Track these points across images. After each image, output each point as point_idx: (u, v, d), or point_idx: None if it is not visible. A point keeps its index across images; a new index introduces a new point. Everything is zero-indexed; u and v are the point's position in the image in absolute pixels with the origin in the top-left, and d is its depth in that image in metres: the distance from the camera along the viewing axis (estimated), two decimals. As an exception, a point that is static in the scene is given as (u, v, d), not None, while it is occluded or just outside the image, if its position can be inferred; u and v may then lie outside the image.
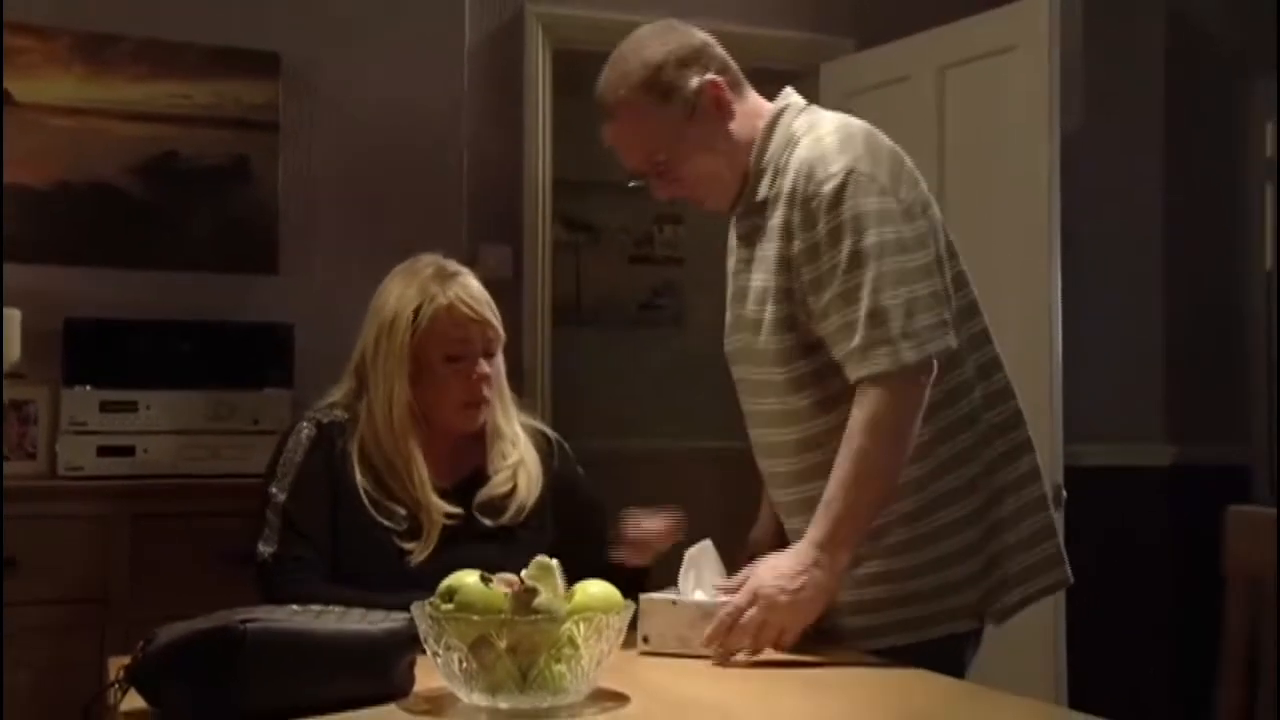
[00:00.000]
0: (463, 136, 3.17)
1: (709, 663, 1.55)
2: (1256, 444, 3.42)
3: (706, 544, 1.70)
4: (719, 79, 1.72)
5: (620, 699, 1.36)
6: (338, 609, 1.40)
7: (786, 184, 1.66)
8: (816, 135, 1.67)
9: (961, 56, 3.07)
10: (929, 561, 1.66)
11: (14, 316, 2.53)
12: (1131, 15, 3.51)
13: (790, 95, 1.79)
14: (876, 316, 1.57)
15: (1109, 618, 3.19)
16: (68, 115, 2.81)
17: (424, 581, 1.44)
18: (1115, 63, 3.49)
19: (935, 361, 1.59)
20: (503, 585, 1.33)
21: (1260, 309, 3.40)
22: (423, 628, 1.31)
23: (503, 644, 1.28)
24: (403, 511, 1.80)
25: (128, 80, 2.85)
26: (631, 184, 1.83)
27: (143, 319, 2.71)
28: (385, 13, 3.07)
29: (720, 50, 1.77)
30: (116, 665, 1.29)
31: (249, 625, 1.26)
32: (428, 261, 1.90)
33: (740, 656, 1.55)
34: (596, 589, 1.40)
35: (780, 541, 1.76)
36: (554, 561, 1.37)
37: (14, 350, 2.52)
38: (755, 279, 1.71)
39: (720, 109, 1.72)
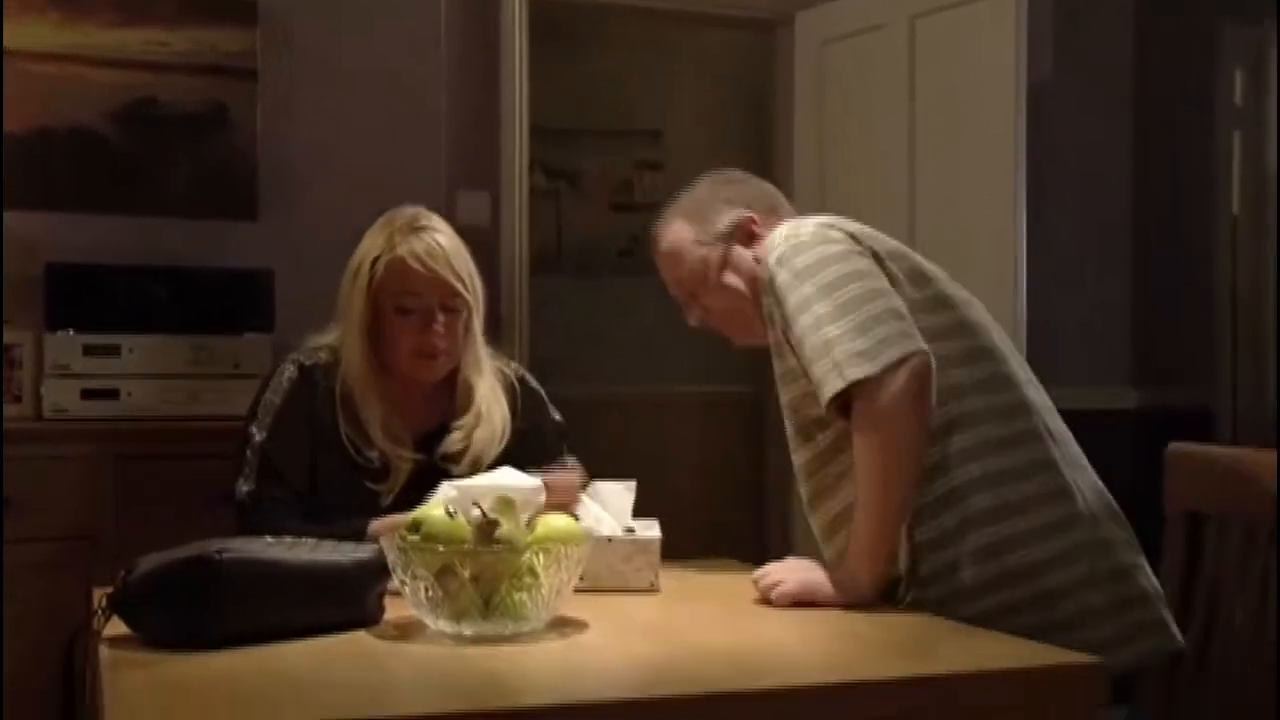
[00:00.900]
0: (441, 83, 3.20)
1: (651, 595, 1.62)
2: (1220, 387, 3.49)
3: (629, 484, 1.75)
4: (748, 212, 1.82)
5: (580, 625, 1.43)
6: (310, 541, 1.47)
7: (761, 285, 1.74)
8: (781, 240, 1.72)
9: (933, 6, 3.10)
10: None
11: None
12: (1103, -36, 3.54)
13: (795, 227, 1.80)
14: (825, 346, 1.60)
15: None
16: (46, 61, 2.83)
17: None
18: (1085, 12, 3.52)
19: (911, 364, 1.56)
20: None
21: (1226, 254, 3.46)
22: (391, 558, 1.38)
23: (466, 573, 1.35)
24: (375, 453, 1.86)
25: (104, 26, 2.87)
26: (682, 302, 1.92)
27: (123, 264, 2.75)
28: (362, -41, 3.09)
29: (766, 191, 1.90)
30: (100, 594, 1.36)
31: (224, 555, 1.32)
32: (406, 214, 1.94)
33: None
34: (558, 521, 1.47)
35: None
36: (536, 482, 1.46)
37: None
38: (777, 364, 1.77)
39: (751, 241, 1.81)
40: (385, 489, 1.84)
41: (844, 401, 1.59)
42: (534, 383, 2.09)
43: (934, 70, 3.09)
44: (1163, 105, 3.57)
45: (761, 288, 1.72)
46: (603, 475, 1.85)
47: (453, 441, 1.89)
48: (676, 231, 1.85)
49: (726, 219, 1.82)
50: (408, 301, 1.88)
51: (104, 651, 1.28)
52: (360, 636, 1.38)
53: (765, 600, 1.57)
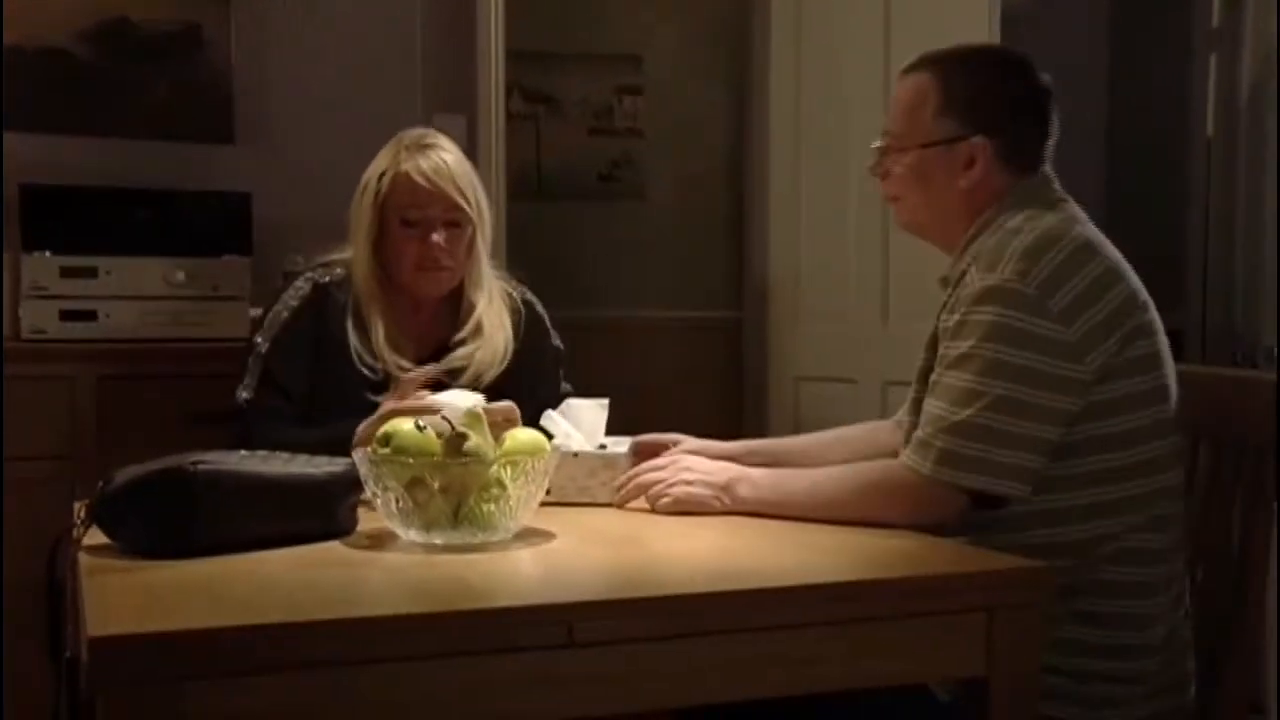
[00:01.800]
0: (417, 4, 3.18)
1: (616, 509, 1.66)
2: (1190, 309, 3.54)
3: (602, 402, 1.78)
4: (989, 144, 1.68)
5: (546, 535, 1.47)
6: (284, 455, 1.51)
7: (969, 266, 1.63)
8: (1014, 231, 1.61)
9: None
10: None
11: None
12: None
13: (1037, 188, 1.71)
14: (942, 420, 1.55)
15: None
16: (15, -19, 2.81)
17: None
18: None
19: (953, 497, 1.54)
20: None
21: (1199, 176, 3.48)
22: (362, 470, 1.42)
23: (436, 484, 1.39)
24: (379, 365, 1.94)
25: (74, -56, 2.84)
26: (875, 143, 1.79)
27: (99, 185, 2.75)
28: (336, -123, 3.05)
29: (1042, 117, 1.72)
30: (80, 506, 1.39)
31: (198, 467, 1.36)
32: (414, 133, 2.03)
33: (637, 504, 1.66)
34: (525, 435, 1.50)
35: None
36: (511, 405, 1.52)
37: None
38: (920, 358, 1.71)
39: (967, 168, 1.68)
40: (382, 400, 1.88)
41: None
42: (539, 306, 2.15)
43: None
44: (1138, 28, 3.57)
45: (972, 267, 1.61)
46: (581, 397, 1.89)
47: (454, 359, 1.95)
48: (923, 81, 1.71)
49: (968, 124, 1.67)
50: (411, 214, 1.95)
51: (83, 559, 1.32)
52: (334, 546, 1.42)
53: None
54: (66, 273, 2.62)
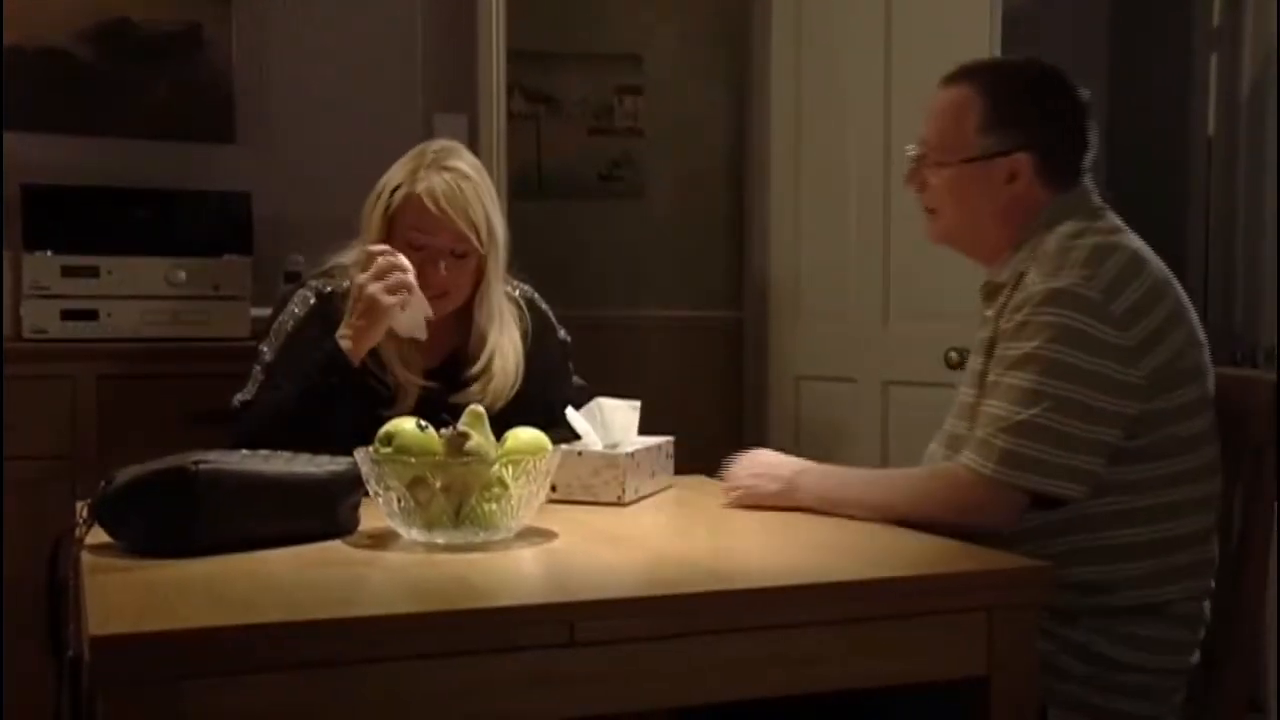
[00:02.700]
0: (418, 3, 3.18)
1: (622, 507, 1.67)
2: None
3: (633, 403, 1.79)
4: (1031, 160, 1.68)
5: (548, 534, 1.47)
6: (286, 454, 1.51)
7: (1024, 271, 1.63)
8: (1072, 235, 1.63)
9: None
10: None
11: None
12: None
13: (1080, 198, 1.72)
14: (1000, 420, 1.55)
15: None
16: (17, -19, 2.81)
17: None
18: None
19: (1016, 498, 1.54)
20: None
21: (1200, 176, 3.48)
22: (364, 470, 1.42)
23: (437, 484, 1.39)
24: (388, 378, 1.90)
25: (75, -55, 2.85)
26: (909, 149, 1.79)
27: (100, 185, 2.75)
28: (336, -123, 3.06)
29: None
30: (82, 505, 1.40)
31: (200, 466, 1.36)
32: (436, 147, 1.97)
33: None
34: (526, 435, 1.51)
35: None
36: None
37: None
38: (971, 360, 1.72)
39: (1008, 183, 1.69)
40: (391, 415, 1.87)
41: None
42: (542, 303, 2.13)
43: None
44: (1138, 27, 3.57)
45: (1023, 284, 1.61)
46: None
47: (470, 394, 1.90)
48: (964, 94, 1.70)
49: (1010, 139, 1.67)
50: (418, 238, 1.91)
51: (85, 558, 1.32)
52: (336, 545, 1.43)
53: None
54: (67, 272, 2.63)
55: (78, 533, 1.36)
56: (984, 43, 2.86)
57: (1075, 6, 3.56)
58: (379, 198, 1.95)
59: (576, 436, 1.73)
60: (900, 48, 3.09)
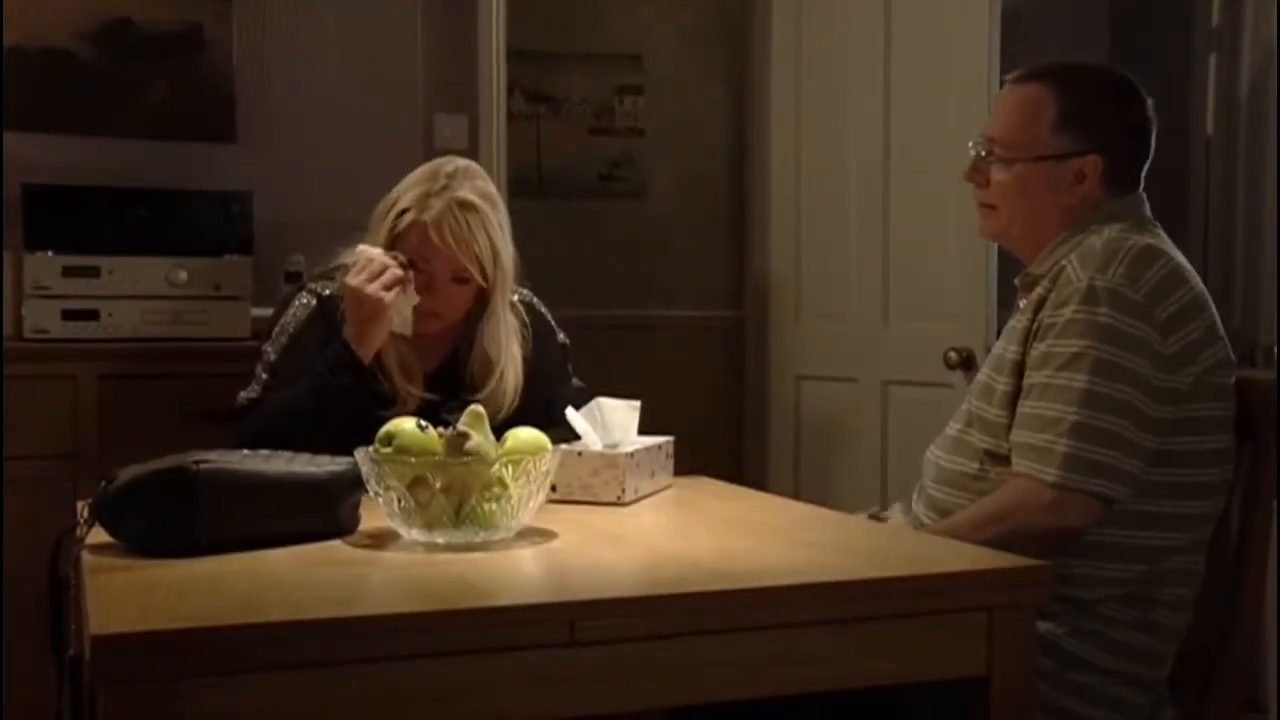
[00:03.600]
0: (418, 3, 3.19)
1: (621, 507, 1.67)
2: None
3: (633, 403, 1.79)
4: (1101, 163, 1.69)
5: (548, 534, 1.48)
6: (286, 454, 1.51)
7: (1063, 265, 1.64)
8: (1114, 236, 1.64)
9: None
10: None
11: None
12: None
13: (1134, 204, 1.73)
14: (1057, 423, 1.55)
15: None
16: (18, -19, 2.81)
17: None
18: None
19: (1090, 503, 1.55)
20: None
21: (1200, 176, 3.48)
22: (365, 470, 1.43)
23: (437, 484, 1.39)
24: (386, 384, 1.91)
25: (76, -55, 2.85)
26: (971, 145, 1.79)
27: (101, 185, 2.76)
28: (337, -123, 3.06)
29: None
30: (83, 505, 1.40)
31: (201, 466, 1.36)
32: (449, 170, 1.94)
33: None
34: (526, 435, 1.51)
35: None
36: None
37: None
38: (999, 347, 1.71)
39: (1075, 184, 1.70)
40: (393, 414, 1.88)
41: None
42: (540, 306, 2.14)
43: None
44: (1137, 27, 3.57)
45: (1061, 279, 1.62)
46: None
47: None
48: (1039, 93, 1.71)
49: (1084, 140, 1.68)
50: (420, 264, 1.91)
51: (86, 557, 1.33)
52: (336, 545, 1.43)
53: None
54: (68, 272, 2.63)
55: (78, 532, 1.37)
56: (983, 42, 2.86)
57: (1074, 6, 3.56)
58: (386, 214, 1.94)
59: (576, 436, 1.74)
60: (900, 48, 3.09)
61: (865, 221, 3.20)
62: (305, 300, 1.99)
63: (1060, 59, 1.77)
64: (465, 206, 1.90)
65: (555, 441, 1.56)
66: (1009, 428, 1.63)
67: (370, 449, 1.44)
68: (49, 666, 1.31)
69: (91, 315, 2.63)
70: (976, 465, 1.68)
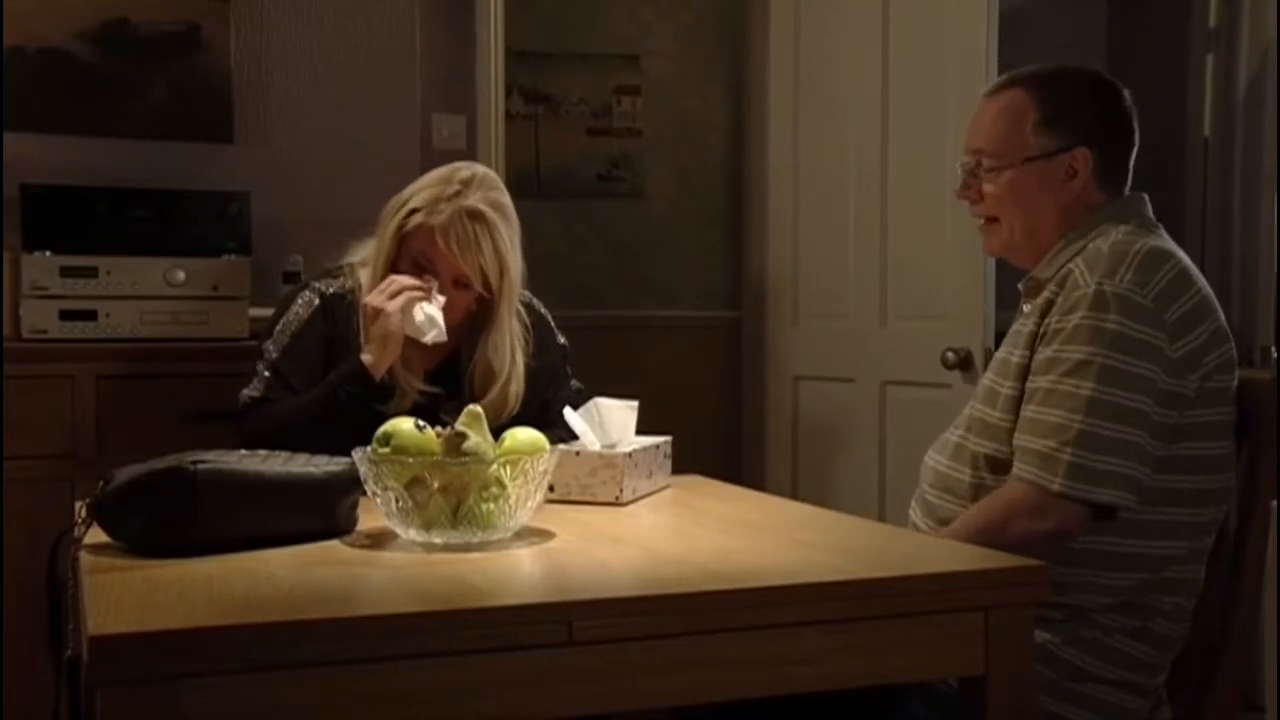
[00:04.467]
0: (415, 3, 3.19)
1: (619, 507, 1.67)
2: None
3: (631, 403, 1.80)
4: (1090, 155, 1.70)
5: (546, 534, 1.48)
6: (284, 454, 1.51)
7: (1070, 269, 1.63)
8: (1121, 239, 1.64)
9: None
10: None
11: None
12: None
13: (1137, 205, 1.74)
14: (1062, 430, 1.54)
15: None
16: (16, -19, 2.81)
17: None
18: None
19: (1085, 509, 1.55)
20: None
21: (1197, 177, 3.49)
22: (363, 470, 1.43)
23: (435, 484, 1.39)
24: (388, 378, 1.92)
25: (74, -54, 2.85)
26: (959, 165, 1.80)
27: (99, 186, 2.76)
28: (334, -123, 3.06)
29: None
30: (81, 505, 1.40)
31: (199, 466, 1.36)
32: (463, 176, 1.94)
33: None
34: (524, 435, 1.51)
35: None
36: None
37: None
38: (1003, 351, 1.71)
39: (1068, 180, 1.70)
40: (389, 412, 1.89)
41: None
42: (540, 308, 2.14)
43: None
44: (1135, 28, 3.58)
45: (1068, 283, 1.61)
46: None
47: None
48: (1017, 99, 1.72)
49: (1069, 136, 1.69)
50: (425, 266, 1.93)
51: (84, 557, 1.33)
52: (334, 545, 1.43)
53: None
54: (66, 272, 2.63)
55: (76, 532, 1.36)
56: (981, 42, 2.87)
57: (1072, 7, 3.56)
58: (397, 212, 1.95)
59: (574, 436, 1.74)
60: (898, 48, 3.09)
61: (863, 222, 3.21)
62: (308, 298, 1.99)
63: (1030, 66, 1.77)
64: (474, 216, 1.91)
65: (553, 442, 1.56)
66: (1012, 432, 1.63)
67: (368, 449, 1.44)
68: (48, 667, 1.31)
69: (89, 315, 2.63)
70: (972, 472, 1.68)
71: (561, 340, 2.15)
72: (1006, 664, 1.29)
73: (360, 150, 3.10)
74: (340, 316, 1.98)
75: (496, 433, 1.51)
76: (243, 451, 1.48)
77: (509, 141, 3.44)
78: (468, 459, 1.41)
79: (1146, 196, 1.77)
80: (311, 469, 1.47)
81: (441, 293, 1.92)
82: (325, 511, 1.46)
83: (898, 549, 1.47)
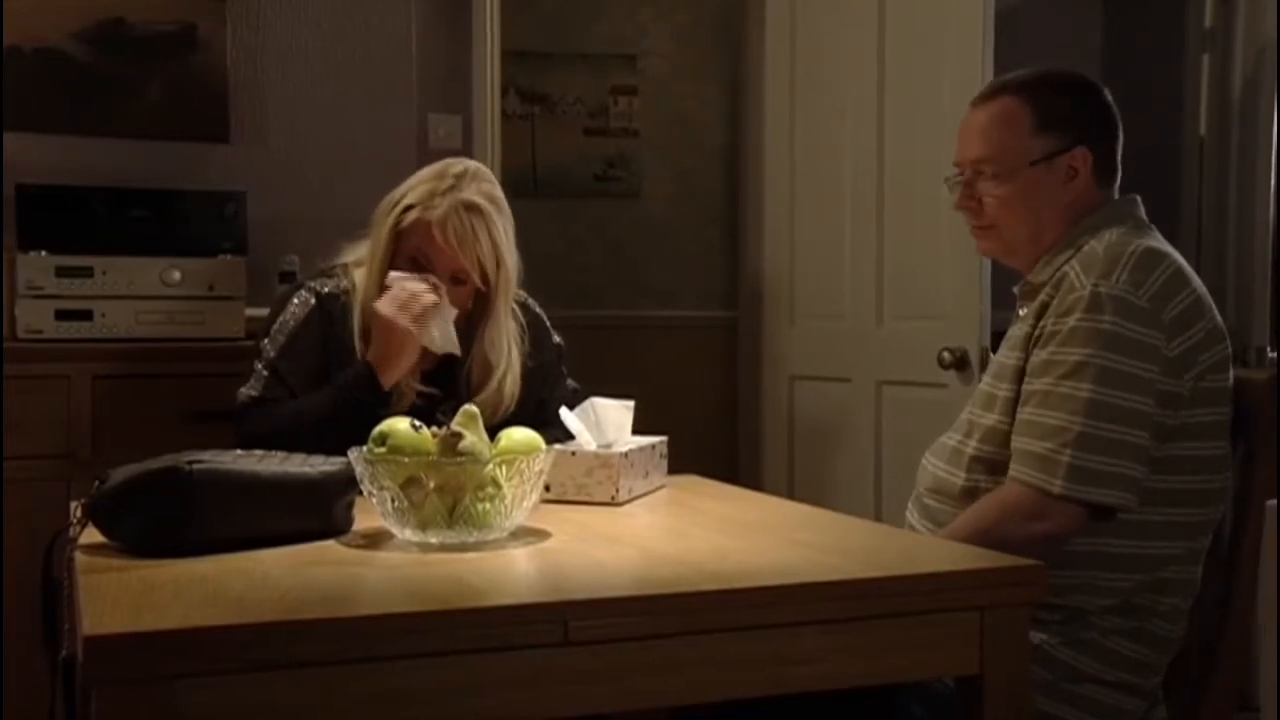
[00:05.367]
0: (412, 3, 3.19)
1: (615, 507, 1.67)
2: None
3: (627, 403, 1.79)
4: (1089, 154, 1.71)
5: (542, 534, 1.48)
6: (280, 454, 1.51)
7: (1065, 271, 1.63)
8: (1115, 241, 1.64)
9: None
10: None
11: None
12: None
13: (1130, 207, 1.74)
14: (1061, 432, 1.54)
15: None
16: (12, -19, 2.81)
17: None
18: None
19: (1078, 511, 1.54)
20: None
21: (1193, 176, 3.49)
22: (358, 470, 1.42)
23: (431, 484, 1.39)
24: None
25: (70, -55, 2.85)
26: (946, 177, 1.81)
27: (95, 185, 2.75)
28: (331, -123, 3.06)
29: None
30: (76, 505, 1.40)
31: (194, 466, 1.36)
32: (457, 171, 1.95)
33: None
34: (520, 435, 1.51)
35: None
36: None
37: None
38: (1001, 355, 1.70)
39: (1069, 180, 1.71)
40: (387, 413, 1.89)
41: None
42: (536, 307, 2.14)
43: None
44: (1131, 27, 3.58)
45: (1063, 285, 1.61)
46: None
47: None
48: (1009, 105, 1.73)
49: (1066, 136, 1.70)
50: (421, 261, 1.93)
51: (79, 557, 1.32)
52: (330, 545, 1.43)
53: None
54: (62, 272, 2.63)
55: (72, 532, 1.36)
56: (977, 43, 2.87)
57: (1068, 6, 3.57)
58: (393, 209, 1.95)
59: (570, 436, 1.74)
60: (894, 47, 3.09)
61: (859, 222, 3.21)
62: (304, 298, 1.99)
63: (1012, 74, 1.78)
64: (470, 208, 1.91)
65: (549, 441, 1.56)
66: (1009, 435, 1.63)
67: (364, 449, 1.44)
68: (44, 666, 1.31)
69: (85, 315, 2.63)
70: (967, 475, 1.68)
71: (557, 339, 2.15)
72: (1003, 664, 1.29)
73: (356, 150, 3.10)
74: (335, 316, 1.98)
75: (492, 432, 1.51)
76: (239, 451, 1.48)
77: (505, 141, 3.44)
78: (463, 459, 1.41)
79: (1139, 198, 1.77)
80: (307, 469, 1.47)
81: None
82: (321, 511, 1.46)
83: (894, 549, 1.47)
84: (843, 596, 1.26)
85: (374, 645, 1.10)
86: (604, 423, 1.75)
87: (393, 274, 1.91)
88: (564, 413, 1.75)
